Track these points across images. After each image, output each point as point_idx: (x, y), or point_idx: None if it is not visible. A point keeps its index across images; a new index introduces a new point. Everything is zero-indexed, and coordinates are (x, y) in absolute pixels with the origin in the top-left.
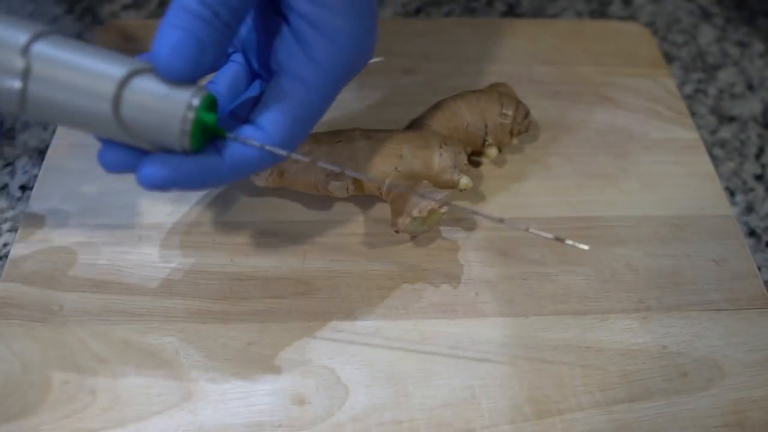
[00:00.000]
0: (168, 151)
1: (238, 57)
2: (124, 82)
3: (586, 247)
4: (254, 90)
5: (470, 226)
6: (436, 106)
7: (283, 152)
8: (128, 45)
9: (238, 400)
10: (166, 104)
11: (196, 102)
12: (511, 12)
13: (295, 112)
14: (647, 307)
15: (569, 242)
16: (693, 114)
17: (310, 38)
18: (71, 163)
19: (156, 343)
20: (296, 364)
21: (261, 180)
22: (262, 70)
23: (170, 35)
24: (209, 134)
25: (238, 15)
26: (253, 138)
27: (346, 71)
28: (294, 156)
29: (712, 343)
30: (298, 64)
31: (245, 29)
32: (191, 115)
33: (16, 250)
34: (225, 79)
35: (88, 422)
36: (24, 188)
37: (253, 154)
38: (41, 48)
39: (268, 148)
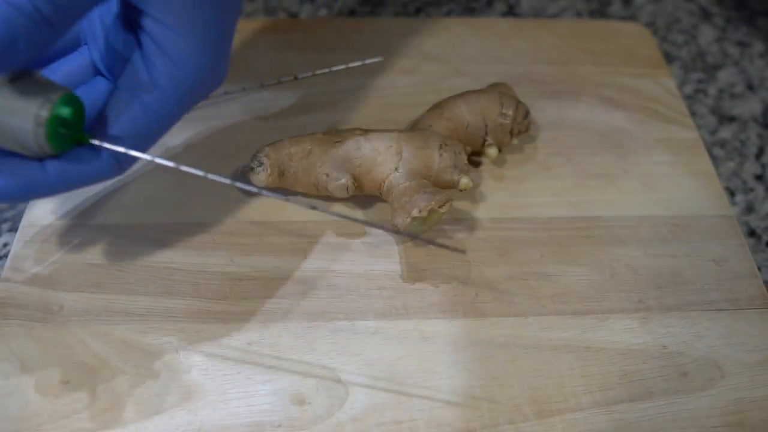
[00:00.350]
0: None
1: (85, 50)
2: None
3: (463, 251)
4: (95, 87)
5: (470, 226)
6: (436, 106)
7: (147, 157)
8: None
9: (238, 400)
10: (21, 101)
11: (53, 97)
12: (511, 12)
13: (132, 131)
14: (647, 307)
15: (445, 245)
16: (693, 114)
17: (156, 60)
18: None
19: (156, 343)
20: (296, 364)
21: (261, 180)
22: (107, 73)
23: None
24: (72, 139)
25: (65, 15)
26: (83, 154)
27: (188, 96)
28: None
29: (712, 343)
30: (139, 84)
31: (101, 30)
32: (44, 113)
33: (16, 250)
34: (63, 68)
35: (88, 422)
36: None
37: (93, 166)
38: None
39: (133, 153)
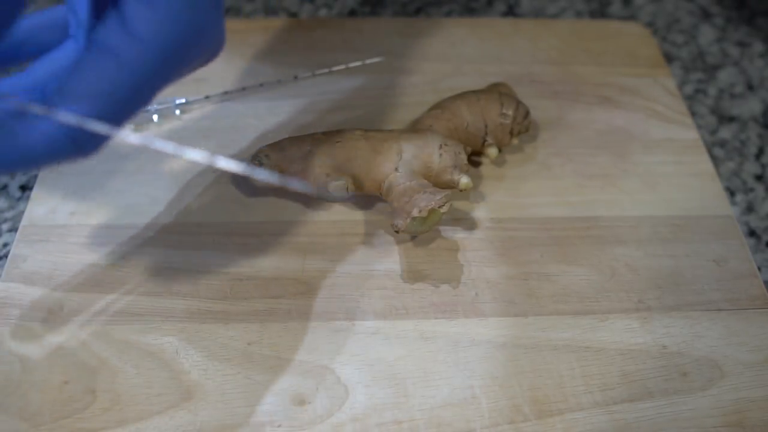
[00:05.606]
0: None
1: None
2: None
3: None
4: (62, 52)
5: (470, 226)
6: (436, 106)
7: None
8: None
9: (238, 400)
10: None
11: None
12: (511, 12)
13: (100, 92)
14: (647, 307)
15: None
16: (693, 114)
17: (135, 8)
18: (71, 163)
19: (156, 343)
20: (296, 364)
21: (261, 180)
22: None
23: None
24: None
25: None
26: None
27: (174, 47)
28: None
29: (712, 343)
30: (109, 36)
31: None
32: None
33: (16, 250)
34: (27, 24)
35: (88, 422)
36: (24, 188)
37: (30, 139)
38: None
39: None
